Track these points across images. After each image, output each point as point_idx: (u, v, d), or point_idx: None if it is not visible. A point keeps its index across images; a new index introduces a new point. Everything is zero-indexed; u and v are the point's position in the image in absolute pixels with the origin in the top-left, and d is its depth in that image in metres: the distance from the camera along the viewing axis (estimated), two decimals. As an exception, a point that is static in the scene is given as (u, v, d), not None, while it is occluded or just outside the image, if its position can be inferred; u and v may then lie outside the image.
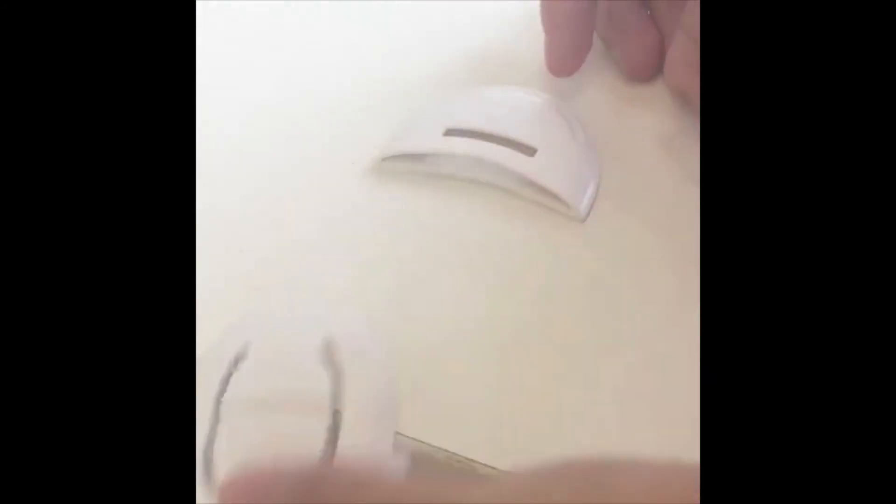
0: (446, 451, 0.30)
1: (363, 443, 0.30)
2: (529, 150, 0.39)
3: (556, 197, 0.38)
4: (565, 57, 0.41)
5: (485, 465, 0.30)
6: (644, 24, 0.42)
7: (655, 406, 0.31)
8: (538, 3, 0.40)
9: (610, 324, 0.34)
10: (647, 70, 0.42)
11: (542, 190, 0.38)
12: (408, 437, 0.31)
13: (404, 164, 0.40)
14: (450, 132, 0.40)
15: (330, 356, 0.31)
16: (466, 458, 0.30)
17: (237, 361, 0.31)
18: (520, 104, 0.41)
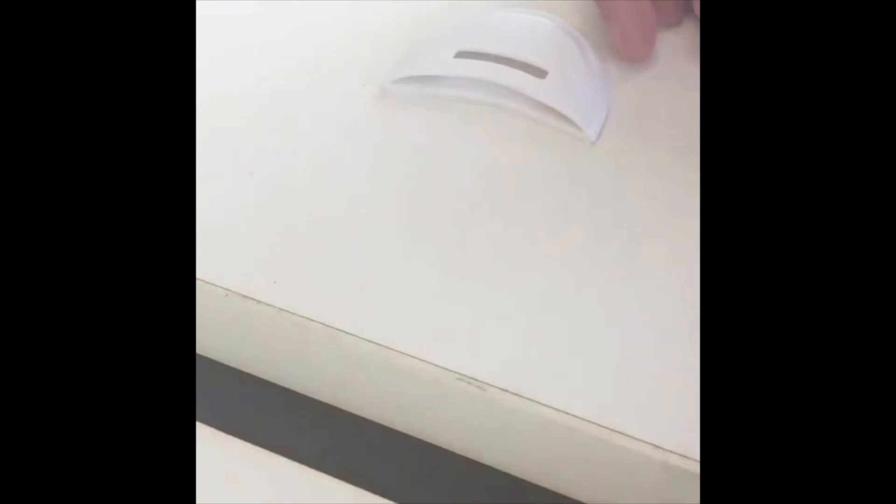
0: (458, 373, 0.30)
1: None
2: (540, 73, 0.38)
3: (567, 119, 0.37)
4: (636, 44, 0.40)
5: (496, 387, 0.30)
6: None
7: (663, 322, 0.31)
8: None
9: (620, 245, 0.34)
10: (639, 43, 0.40)
11: (553, 112, 0.38)
12: (418, 358, 0.31)
13: (414, 87, 0.39)
14: (461, 54, 0.39)
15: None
16: (476, 380, 0.30)
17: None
18: (531, 27, 0.41)
